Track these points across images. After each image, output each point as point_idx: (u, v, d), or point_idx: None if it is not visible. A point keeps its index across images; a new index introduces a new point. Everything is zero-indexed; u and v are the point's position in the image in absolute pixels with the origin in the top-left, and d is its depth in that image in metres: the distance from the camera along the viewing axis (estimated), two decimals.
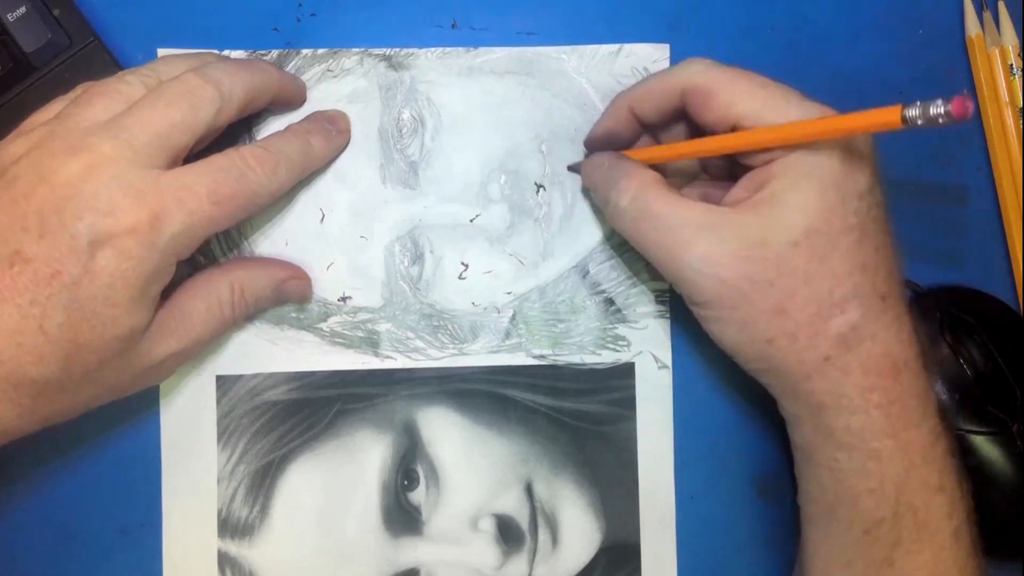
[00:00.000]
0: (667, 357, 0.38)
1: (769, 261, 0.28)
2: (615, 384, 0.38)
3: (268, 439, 0.37)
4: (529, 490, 0.37)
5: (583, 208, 0.38)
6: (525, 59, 0.38)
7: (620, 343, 0.38)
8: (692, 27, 0.40)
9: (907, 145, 0.40)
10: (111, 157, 0.28)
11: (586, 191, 0.38)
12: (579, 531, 0.37)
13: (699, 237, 0.29)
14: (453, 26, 0.39)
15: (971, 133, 0.41)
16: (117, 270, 0.28)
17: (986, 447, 0.37)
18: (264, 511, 0.37)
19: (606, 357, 0.38)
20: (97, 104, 0.30)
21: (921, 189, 0.40)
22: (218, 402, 0.37)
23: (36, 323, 0.27)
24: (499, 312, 0.38)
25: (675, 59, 0.39)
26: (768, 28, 0.40)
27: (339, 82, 0.37)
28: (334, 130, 0.36)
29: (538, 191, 0.38)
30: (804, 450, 0.32)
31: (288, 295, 0.36)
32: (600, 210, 0.37)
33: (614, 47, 0.39)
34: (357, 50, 0.38)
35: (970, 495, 0.31)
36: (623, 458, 0.38)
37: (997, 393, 0.37)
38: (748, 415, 0.39)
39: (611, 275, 0.38)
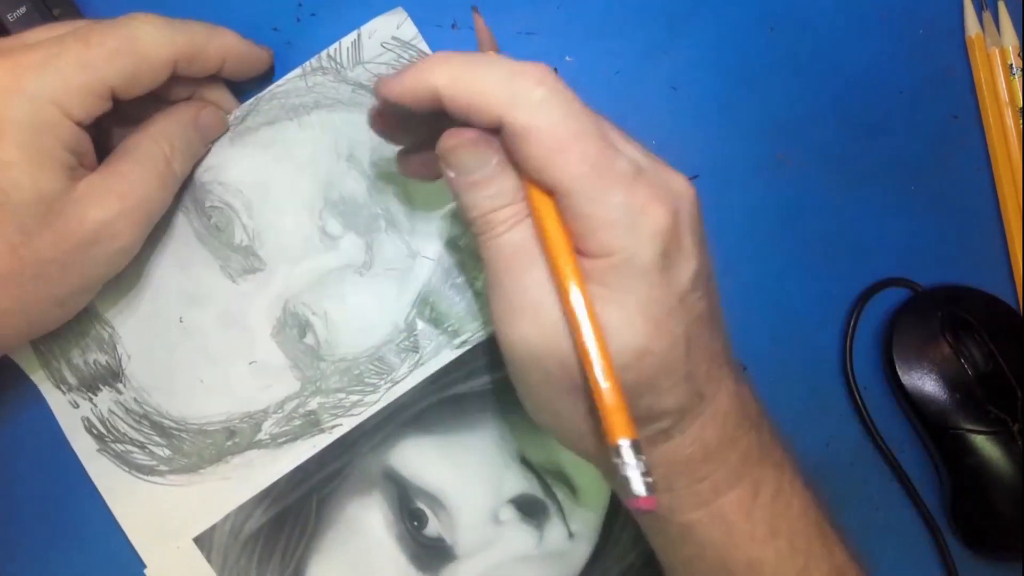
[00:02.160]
0: None
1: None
2: None
3: (272, 564, 0.37)
4: (526, 462, 0.37)
5: (417, 191, 0.37)
6: (284, 103, 0.37)
7: None
8: (692, 27, 0.40)
9: (907, 145, 0.40)
10: None
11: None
12: (589, 472, 0.37)
13: (551, 318, 0.26)
14: (453, 27, 0.39)
15: (971, 133, 0.41)
16: None
17: (986, 447, 0.37)
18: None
19: None
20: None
21: (921, 189, 0.40)
22: (210, 561, 0.36)
23: None
24: (403, 328, 0.37)
25: (424, 22, 0.38)
26: (768, 28, 0.40)
27: None
28: (255, 45, 0.36)
29: (370, 205, 0.37)
30: (658, 531, 0.31)
31: (209, 130, 0.35)
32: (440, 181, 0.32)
33: (351, 36, 0.37)
34: None
35: (817, 519, 0.30)
36: None
37: (997, 393, 0.37)
38: None
39: None
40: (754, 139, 0.40)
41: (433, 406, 0.37)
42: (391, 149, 0.34)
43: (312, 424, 0.37)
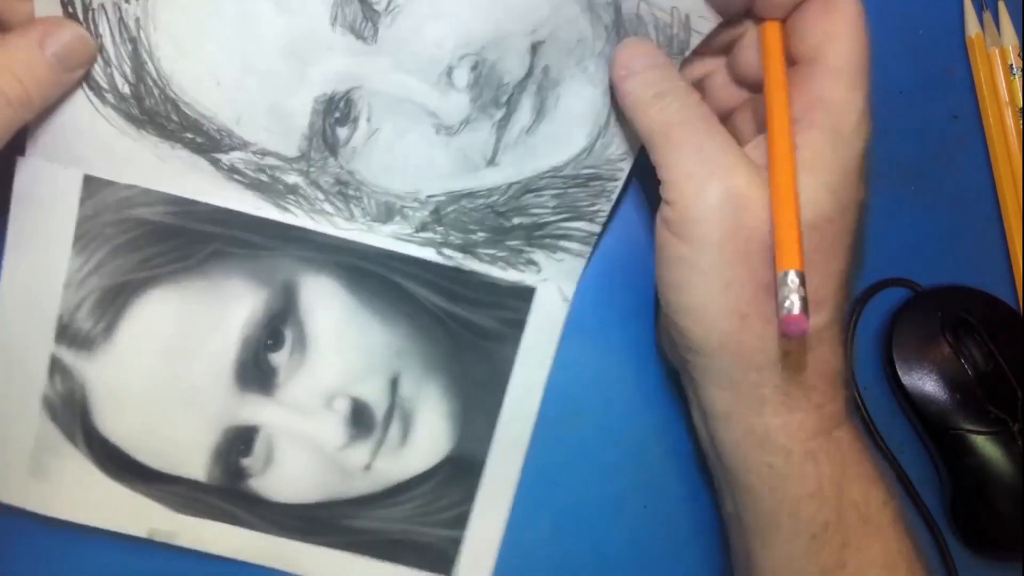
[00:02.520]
0: (570, 292, 0.36)
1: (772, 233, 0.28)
2: (511, 303, 0.36)
3: (130, 258, 0.34)
4: (394, 383, 0.36)
5: (550, 128, 0.34)
6: None
7: (530, 267, 0.36)
8: None
9: (907, 145, 0.40)
10: None
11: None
12: (430, 436, 0.36)
13: (739, 170, 0.28)
14: None
15: (971, 133, 0.41)
16: None
17: (986, 447, 0.37)
18: (109, 329, 0.35)
19: (511, 275, 0.36)
20: None
21: (921, 189, 0.40)
22: (81, 203, 0.33)
23: None
24: (422, 203, 0.35)
25: None
26: None
27: None
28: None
29: (509, 96, 0.34)
30: (731, 457, 0.31)
31: (69, 56, 0.30)
32: (563, 140, 0.34)
33: None
34: None
35: (889, 478, 0.31)
36: (496, 377, 0.37)
37: (997, 393, 0.37)
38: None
39: (550, 203, 0.35)
40: None
41: (376, 275, 0.36)
42: (577, 73, 0.33)
43: (272, 192, 0.34)
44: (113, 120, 0.33)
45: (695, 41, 0.33)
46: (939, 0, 0.41)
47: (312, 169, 0.34)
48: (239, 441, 0.36)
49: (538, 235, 0.36)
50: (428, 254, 0.36)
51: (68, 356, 0.35)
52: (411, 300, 0.36)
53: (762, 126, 0.30)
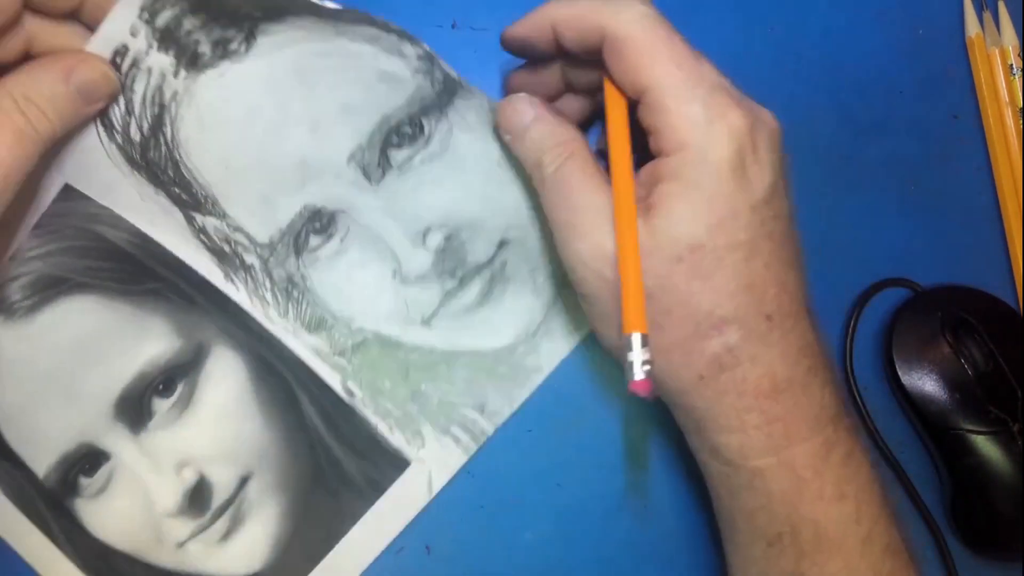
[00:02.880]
0: (438, 485, 0.37)
1: (651, 273, 0.27)
2: (382, 466, 0.37)
3: (78, 261, 0.36)
4: (244, 481, 0.37)
5: (487, 315, 0.37)
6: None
7: (416, 439, 0.37)
8: (692, 27, 0.39)
9: (907, 145, 0.40)
10: None
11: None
12: (249, 547, 0.37)
13: (595, 227, 0.28)
14: (453, 26, 0.39)
15: (971, 133, 0.41)
16: None
17: (986, 447, 0.37)
18: (33, 310, 0.36)
19: (395, 439, 0.37)
20: None
21: (921, 189, 0.40)
22: (53, 202, 0.35)
23: None
24: (351, 331, 0.37)
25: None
26: (768, 28, 0.40)
27: None
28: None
29: (466, 273, 0.36)
30: (699, 461, 0.31)
31: (91, 87, 0.31)
32: (493, 330, 0.37)
33: None
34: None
35: (881, 493, 0.30)
36: (335, 525, 0.37)
37: (997, 393, 0.37)
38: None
39: (460, 384, 0.37)
40: None
41: (280, 375, 0.37)
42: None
43: (226, 262, 0.36)
44: (112, 155, 0.34)
45: None
46: (939, 0, 0.41)
47: (272, 259, 0.36)
48: (88, 459, 0.36)
49: (436, 410, 0.37)
50: (333, 381, 0.37)
51: None
52: (298, 414, 0.37)
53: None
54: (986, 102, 0.40)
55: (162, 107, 0.34)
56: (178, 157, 0.34)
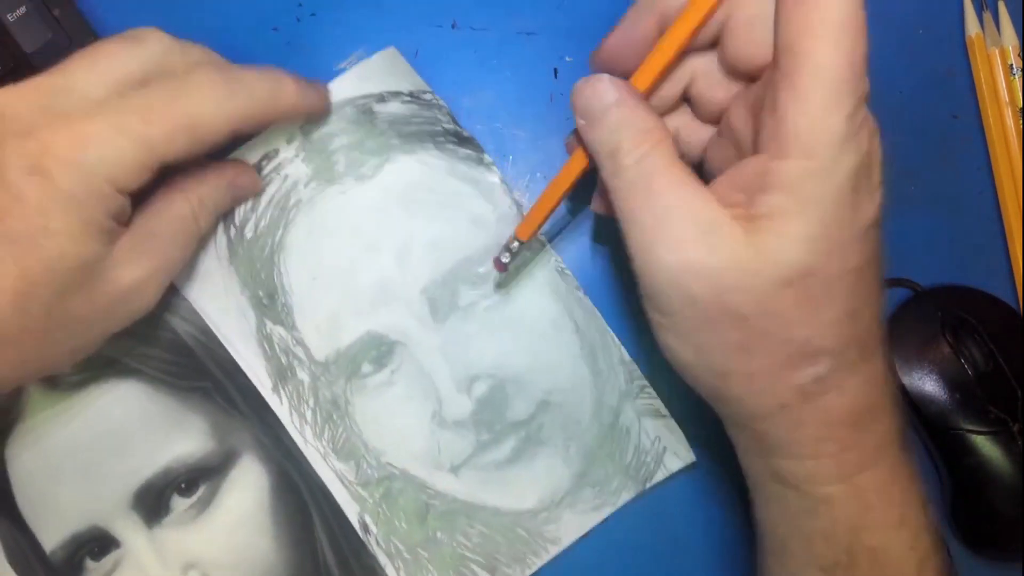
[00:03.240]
0: None
1: (752, 295, 0.25)
2: None
3: (135, 345, 0.36)
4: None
5: (515, 475, 0.37)
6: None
7: None
8: None
9: (907, 145, 0.40)
10: (35, 87, 0.28)
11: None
12: None
13: (687, 238, 0.25)
14: (453, 26, 0.39)
15: (971, 133, 0.41)
16: (46, 197, 0.26)
17: (986, 447, 0.37)
18: (79, 385, 0.36)
19: None
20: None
21: (921, 189, 0.40)
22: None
23: None
24: (379, 465, 0.37)
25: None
26: None
27: None
28: (315, 92, 0.34)
29: (502, 428, 0.37)
30: (753, 481, 0.30)
31: (243, 191, 0.35)
32: (517, 492, 0.36)
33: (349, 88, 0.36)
34: None
35: (932, 515, 0.29)
36: None
37: (998, 393, 0.37)
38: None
39: (475, 538, 0.37)
40: None
41: (300, 493, 0.37)
42: None
43: (281, 374, 0.36)
44: (219, 246, 0.36)
45: (659, 476, 0.37)
46: (939, 0, 0.41)
47: (323, 378, 0.37)
48: (97, 543, 0.36)
49: (447, 561, 0.37)
50: (351, 511, 0.37)
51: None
52: (310, 538, 0.37)
53: (758, 118, 0.26)
54: (986, 102, 0.40)
55: (283, 210, 0.36)
56: (276, 260, 0.36)
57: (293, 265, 0.36)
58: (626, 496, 0.37)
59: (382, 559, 0.36)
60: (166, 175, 0.31)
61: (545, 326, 0.37)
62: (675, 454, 0.37)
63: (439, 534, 0.37)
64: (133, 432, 0.36)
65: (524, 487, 0.37)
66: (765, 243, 0.24)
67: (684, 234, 0.25)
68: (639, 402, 0.37)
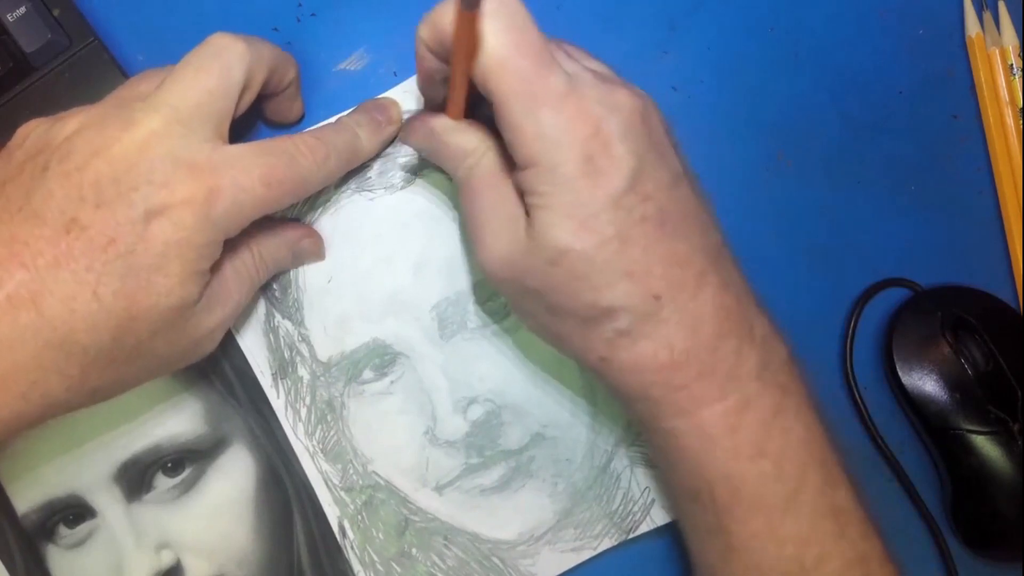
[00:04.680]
0: None
1: (533, 273, 0.29)
2: None
3: None
4: None
5: (497, 504, 0.37)
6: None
7: None
8: (692, 27, 0.40)
9: (907, 145, 0.40)
10: (162, 132, 0.28)
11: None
12: None
13: (490, 233, 0.30)
14: None
15: (971, 133, 0.41)
16: (171, 240, 0.28)
17: (986, 447, 0.37)
18: None
19: None
20: (143, 81, 0.31)
21: (921, 189, 0.40)
22: None
23: (90, 289, 0.27)
24: (364, 472, 0.37)
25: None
26: (768, 28, 0.40)
27: None
28: (384, 120, 0.36)
29: (493, 454, 0.37)
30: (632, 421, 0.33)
31: (303, 254, 0.36)
32: (499, 521, 0.37)
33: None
34: None
35: (816, 453, 0.30)
36: None
37: (997, 393, 0.37)
38: None
39: (450, 561, 0.37)
40: (754, 139, 0.40)
41: (284, 489, 0.37)
42: None
43: (282, 366, 0.37)
44: None
45: (644, 527, 0.37)
46: (939, 0, 0.41)
47: (323, 378, 0.37)
48: (73, 511, 0.36)
49: None
50: (331, 513, 0.37)
51: None
52: (288, 534, 0.37)
53: None
54: (986, 102, 0.40)
55: (311, 208, 0.36)
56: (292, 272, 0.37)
57: (310, 264, 0.37)
58: (608, 542, 0.37)
59: (356, 566, 0.36)
60: None
61: (550, 359, 0.37)
62: (663, 508, 0.37)
63: (415, 551, 0.37)
64: (127, 406, 0.36)
65: (506, 517, 0.37)
66: (534, 232, 0.29)
67: (496, 227, 0.30)
68: (634, 449, 0.37)
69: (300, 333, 0.37)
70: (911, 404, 0.38)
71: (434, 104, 0.34)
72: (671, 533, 0.37)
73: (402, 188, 0.37)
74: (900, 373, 0.38)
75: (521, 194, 0.29)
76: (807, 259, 0.39)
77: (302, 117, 0.37)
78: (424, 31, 0.30)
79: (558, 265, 0.28)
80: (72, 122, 0.29)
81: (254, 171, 0.29)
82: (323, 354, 0.37)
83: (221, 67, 0.30)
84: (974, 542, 0.38)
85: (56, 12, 0.36)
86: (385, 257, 0.37)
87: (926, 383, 0.38)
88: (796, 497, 0.29)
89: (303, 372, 0.37)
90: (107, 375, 0.29)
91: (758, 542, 0.29)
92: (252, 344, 0.36)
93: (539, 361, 0.37)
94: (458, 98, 0.30)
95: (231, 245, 0.32)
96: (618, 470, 0.37)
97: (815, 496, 0.29)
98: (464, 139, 0.31)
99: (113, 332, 0.28)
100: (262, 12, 0.38)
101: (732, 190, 0.39)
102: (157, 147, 0.28)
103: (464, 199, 0.31)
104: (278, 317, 0.37)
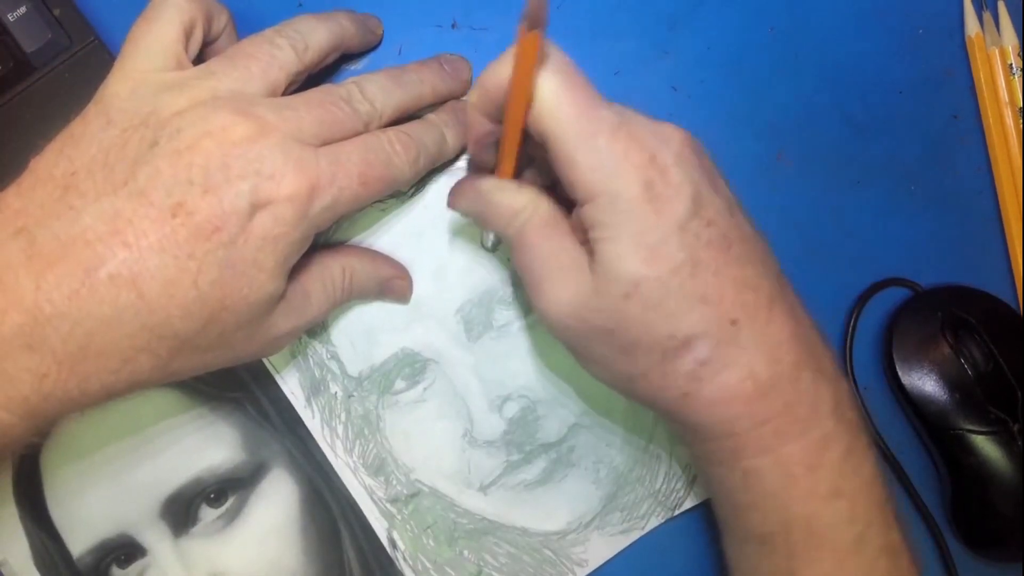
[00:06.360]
0: None
1: (604, 312, 0.28)
2: None
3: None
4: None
5: (543, 496, 0.37)
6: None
7: None
8: (692, 27, 0.40)
9: (907, 145, 0.40)
10: (276, 127, 0.28)
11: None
12: None
13: (552, 280, 0.29)
14: (453, 26, 0.39)
15: (971, 133, 0.41)
16: (269, 234, 0.28)
17: (986, 447, 0.37)
18: None
19: None
20: (253, 68, 0.30)
21: (921, 189, 0.40)
22: None
23: (191, 277, 0.27)
24: (408, 481, 0.37)
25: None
26: (768, 28, 0.40)
27: None
28: (459, 122, 0.36)
29: (533, 449, 0.37)
30: (698, 471, 0.32)
31: (391, 292, 0.36)
32: (547, 512, 0.37)
33: None
34: None
35: (882, 492, 0.30)
36: None
37: (997, 393, 0.37)
38: None
39: (501, 558, 0.37)
40: (754, 139, 0.40)
41: (328, 509, 0.37)
42: None
43: (314, 387, 0.37)
44: None
45: (689, 503, 0.37)
46: (939, 0, 0.41)
47: (356, 393, 0.37)
48: (124, 550, 0.36)
49: None
50: (379, 527, 0.37)
51: None
52: (338, 553, 0.37)
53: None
54: (986, 102, 0.40)
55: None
56: None
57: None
58: (655, 521, 0.37)
59: (409, 575, 0.36)
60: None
61: None
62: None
63: (466, 553, 0.37)
64: (166, 440, 0.36)
65: (553, 508, 0.37)
66: (598, 270, 0.28)
67: (559, 275, 0.29)
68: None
69: (328, 350, 0.37)
70: (911, 404, 0.38)
71: (483, 170, 0.34)
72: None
73: (412, 196, 0.37)
74: (900, 373, 0.38)
75: (582, 234, 0.29)
76: (807, 259, 0.39)
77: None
78: (476, 96, 0.30)
79: (632, 298, 0.27)
80: (178, 98, 0.29)
81: (352, 169, 0.30)
82: (353, 369, 0.37)
83: (348, 113, 0.31)
84: (974, 542, 0.38)
85: (56, 12, 0.36)
86: (404, 266, 0.37)
87: (926, 383, 0.38)
88: (863, 538, 0.29)
89: (335, 389, 0.37)
90: (189, 360, 0.29)
91: None
92: (281, 367, 0.37)
93: (568, 353, 0.36)
94: (510, 152, 0.30)
95: (325, 261, 0.33)
96: (658, 450, 0.37)
97: (877, 536, 0.29)
98: (514, 197, 0.31)
99: (205, 321, 0.28)
100: (262, 12, 0.38)
101: (732, 190, 0.39)
102: (269, 139, 0.28)
103: (519, 255, 0.30)
104: (305, 337, 0.37)
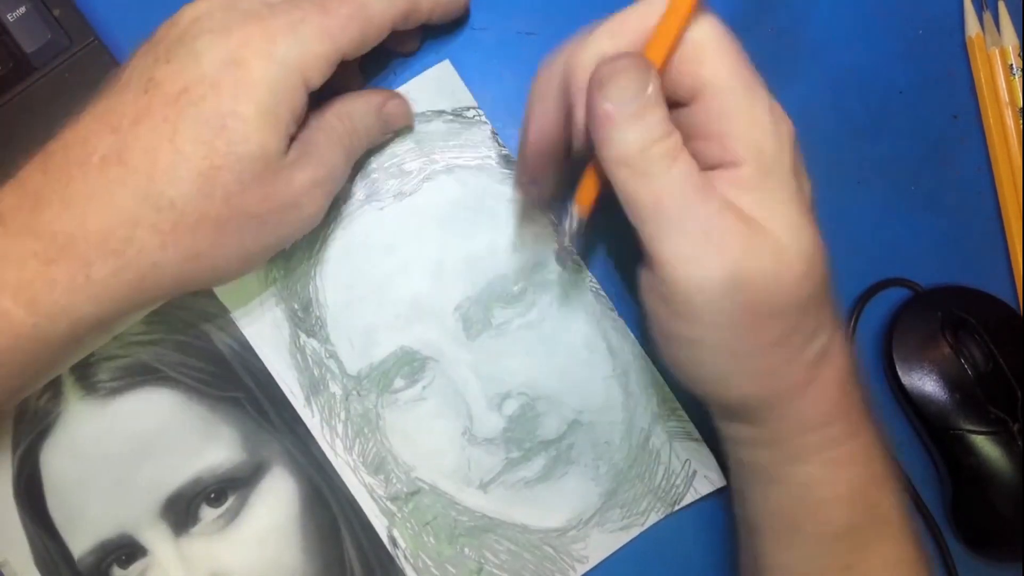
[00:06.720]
0: None
1: (786, 292, 0.26)
2: None
3: (173, 355, 0.37)
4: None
5: (543, 493, 0.37)
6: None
7: None
8: None
9: (907, 145, 0.40)
10: (232, 3, 0.30)
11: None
12: None
13: (733, 246, 0.25)
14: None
15: (971, 133, 0.41)
16: (239, 82, 0.28)
17: (986, 447, 0.37)
18: (114, 392, 0.36)
19: None
20: None
21: (921, 189, 0.40)
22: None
23: (167, 138, 0.28)
24: (408, 479, 0.37)
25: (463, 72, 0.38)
26: (768, 28, 0.40)
27: None
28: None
29: (532, 447, 0.37)
30: (758, 469, 0.30)
31: (392, 119, 0.36)
32: (546, 510, 0.37)
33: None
34: None
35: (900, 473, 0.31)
36: None
37: (997, 393, 0.37)
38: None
39: (502, 555, 0.37)
40: None
41: (328, 508, 0.37)
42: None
43: (314, 386, 0.37)
44: None
45: (689, 498, 0.37)
46: (939, 0, 0.41)
47: (355, 392, 0.37)
48: (125, 551, 0.36)
49: None
50: (380, 525, 0.37)
51: (68, 380, 0.36)
52: (338, 552, 0.37)
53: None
54: (986, 102, 0.40)
55: (323, 224, 0.35)
56: (312, 274, 0.37)
57: (329, 279, 0.37)
58: (654, 517, 0.37)
59: (410, 574, 0.37)
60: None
61: (578, 346, 0.37)
62: (705, 478, 0.37)
63: (467, 550, 0.37)
64: (165, 440, 0.36)
65: (553, 505, 0.37)
66: (777, 242, 0.26)
67: (734, 239, 0.25)
68: (671, 424, 0.37)
69: (327, 350, 0.37)
70: (911, 404, 0.38)
71: (533, 202, 0.33)
72: (714, 501, 0.38)
73: (411, 194, 0.37)
74: (900, 373, 0.38)
75: (728, 200, 0.26)
76: None
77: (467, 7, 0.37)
78: (547, 73, 0.29)
79: (808, 277, 0.26)
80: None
81: (307, 4, 0.30)
82: (352, 368, 0.37)
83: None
84: (974, 542, 0.38)
85: (56, 12, 0.36)
86: (402, 265, 0.37)
87: (926, 383, 0.38)
88: (905, 516, 0.30)
89: (335, 388, 0.37)
90: (204, 235, 0.29)
91: (878, 573, 0.30)
92: (280, 366, 0.37)
93: (567, 350, 0.37)
94: (665, 40, 0.26)
95: (318, 115, 0.32)
96: (657, 446, 0.37)
97: (910, 518, 0.31)
98: (667, 117, 0.26)
99: (197, 182, 0.28)
100: None
101: None
102: (216, 3, 0.29)
103: (670, 201, 0.26)
104: (303, 336, 0.37)
